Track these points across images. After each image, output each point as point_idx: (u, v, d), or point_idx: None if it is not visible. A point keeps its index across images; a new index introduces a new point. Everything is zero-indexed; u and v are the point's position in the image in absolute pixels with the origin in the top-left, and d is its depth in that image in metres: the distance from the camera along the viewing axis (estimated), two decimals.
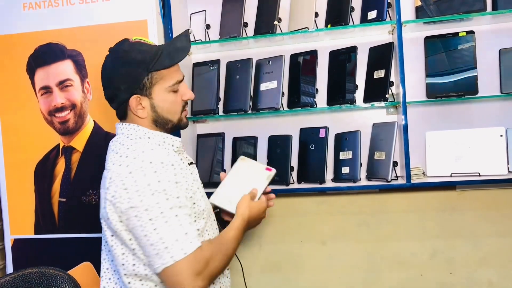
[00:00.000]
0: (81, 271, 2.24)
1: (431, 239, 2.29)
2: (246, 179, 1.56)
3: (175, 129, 1.47)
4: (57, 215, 2.29)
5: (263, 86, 2.29)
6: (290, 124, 2.35)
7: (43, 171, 2.30)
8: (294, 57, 2.30)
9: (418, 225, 2.31)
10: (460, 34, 2.12)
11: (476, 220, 2.26)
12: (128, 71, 1.34)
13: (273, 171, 1.59)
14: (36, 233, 2.32)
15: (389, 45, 2.14)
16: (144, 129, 1.40)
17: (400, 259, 2.32)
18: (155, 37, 2.16)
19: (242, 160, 1.63)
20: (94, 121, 2.25)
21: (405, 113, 2.06)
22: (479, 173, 2.08)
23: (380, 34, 2.24)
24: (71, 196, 2.27)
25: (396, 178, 2.13)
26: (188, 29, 1.50)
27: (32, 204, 2.32)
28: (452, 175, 2.11)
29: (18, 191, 2.33)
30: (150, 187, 1.23)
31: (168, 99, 1.40)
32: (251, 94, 2.30)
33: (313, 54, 2.24)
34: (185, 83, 1.46)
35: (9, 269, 2.33)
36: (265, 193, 1.58)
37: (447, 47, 2.14)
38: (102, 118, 2.24)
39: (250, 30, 2.32)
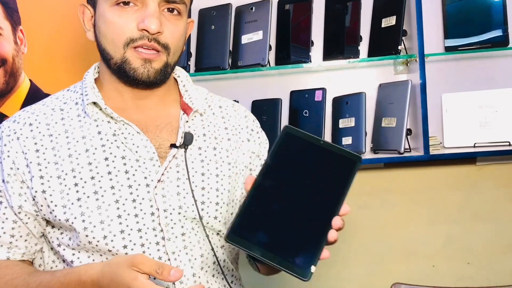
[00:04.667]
0: None
1: (445, 223, 2.01)
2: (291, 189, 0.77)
3: (125, 76, 0.96)
4: None
5: (245, 38, 1.93)
6: (279, 86, 2.00)
7: None
8: (283, 2, 1.95)
9: (430, 207, 2.02)
10: None
11: (499, 200, 1.98)
12: None
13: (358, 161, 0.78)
14: None
15: None
16: (90, 71, 1.04)
17: (408, 248, 2.04)
18: None
19: (288, 136, 0.77)
20: (30, 80, 1.81)
21: (422, 68, 1.74)
22: (509, 142, 1.78)
23: None
24: None
25: (408, 150, 1.81)
26: None
27: None
28: (476, 145, 1.81)
29: None
30: None
31: (108, 17, 0.94)
32: (230, 48, 1.95)
33: None
34: (156, 11, 0.94)
35: None
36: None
37: None
38: (40, 77, 1.82)
39: None
